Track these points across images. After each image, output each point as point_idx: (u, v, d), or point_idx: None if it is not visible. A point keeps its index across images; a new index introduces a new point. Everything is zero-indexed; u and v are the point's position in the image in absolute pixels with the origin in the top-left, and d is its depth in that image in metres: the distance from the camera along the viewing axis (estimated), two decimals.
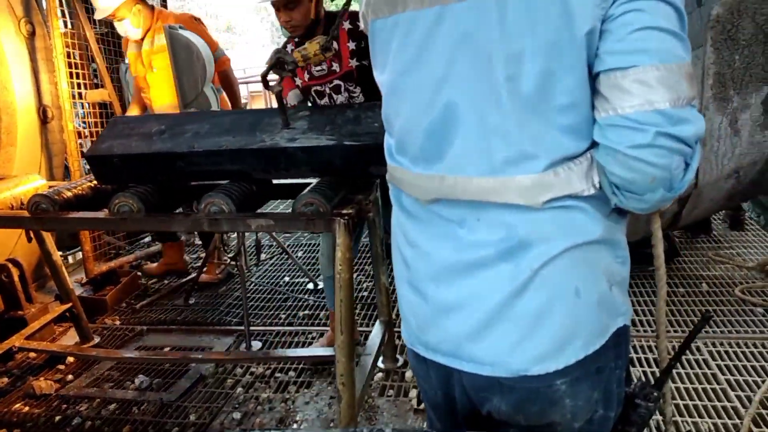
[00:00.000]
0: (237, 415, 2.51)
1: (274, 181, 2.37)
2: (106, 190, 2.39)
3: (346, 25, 2.53)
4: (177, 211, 2.43)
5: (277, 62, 2.02)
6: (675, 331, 2.90)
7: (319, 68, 2.60)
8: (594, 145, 0.91)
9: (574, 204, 0.91)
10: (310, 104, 2.76)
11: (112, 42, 4.22)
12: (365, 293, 3.67)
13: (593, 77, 0.87)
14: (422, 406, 2.47)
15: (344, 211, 1.97)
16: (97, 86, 4.07)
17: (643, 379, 1.08)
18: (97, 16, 3.39)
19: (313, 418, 2.48)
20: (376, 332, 2.63)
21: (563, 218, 0.91)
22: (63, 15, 3.77)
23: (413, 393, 2.57)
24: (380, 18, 1.00)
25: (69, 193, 2.29)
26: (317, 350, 2.84)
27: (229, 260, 3.88)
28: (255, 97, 11.74)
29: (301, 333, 3.23)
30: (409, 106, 0.98)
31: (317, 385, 2.72)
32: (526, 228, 0.91)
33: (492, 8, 0.86)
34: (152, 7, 3.49)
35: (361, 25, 1.15)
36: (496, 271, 0.93)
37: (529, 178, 0.89)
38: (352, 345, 2.02)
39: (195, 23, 3.47)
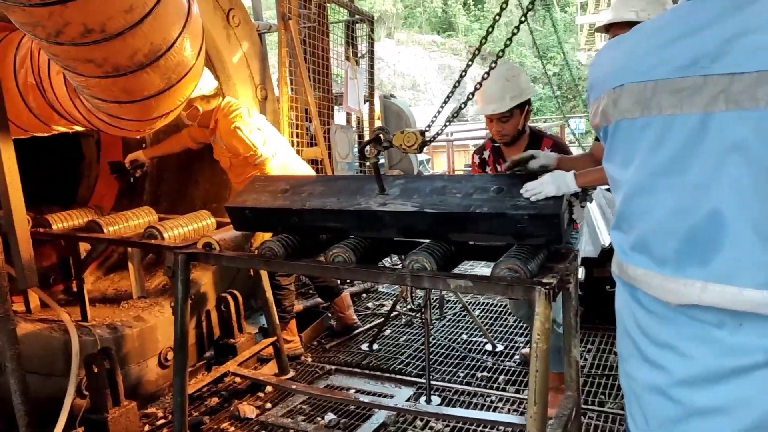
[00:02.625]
0: None
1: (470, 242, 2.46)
2: (319, 239, 2.68)
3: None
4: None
5: (377, 138, 2.31)
6: None
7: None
8: None
9: None
10: None
11: (326, 106, 4.75)
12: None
13: None
14: None
15: (545, 280, 1.97)
16: (311, 144, 4.57)
17: None
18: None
19: None
20: (564, 406, 2.53)
21: None
22: (291, 83, 4.34)
23: None
24: (626, 118, 1.02)
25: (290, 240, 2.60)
26: (507, 417, 2.81)
27: (414, 312, 4.03)
28: (436, 152, 12.19)
29: (479, 395, 3.22)
30: (662, 208, 0.99)
31: None
32: None
33: None
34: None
35: (593, 119, 1.13)
36: (766, 377, 0.90)
37: None
38: (546, 418, 1.98)
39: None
